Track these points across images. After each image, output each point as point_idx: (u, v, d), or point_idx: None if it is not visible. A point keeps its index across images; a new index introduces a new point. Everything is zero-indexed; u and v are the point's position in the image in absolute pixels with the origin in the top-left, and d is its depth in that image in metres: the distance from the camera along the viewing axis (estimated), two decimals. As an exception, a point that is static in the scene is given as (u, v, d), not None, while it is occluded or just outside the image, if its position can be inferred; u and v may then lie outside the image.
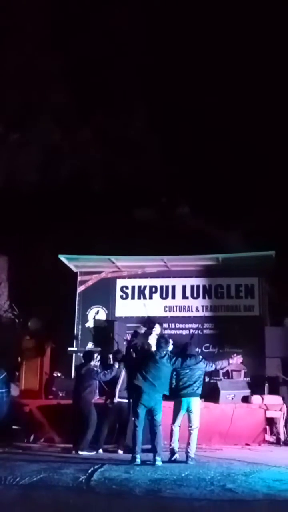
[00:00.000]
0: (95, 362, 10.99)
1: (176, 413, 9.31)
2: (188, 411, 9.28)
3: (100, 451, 10.08)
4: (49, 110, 16.79)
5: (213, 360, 9.99)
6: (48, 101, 16.75)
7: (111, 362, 10.78)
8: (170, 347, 9.51)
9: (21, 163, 16.65)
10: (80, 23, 16.30)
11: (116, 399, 10.21)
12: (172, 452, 9.16)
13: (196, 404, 9.33)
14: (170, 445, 9.21)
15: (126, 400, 10.10)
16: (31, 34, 15.76)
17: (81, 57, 16.26)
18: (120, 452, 9.92)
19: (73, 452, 9.97)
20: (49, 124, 16.83)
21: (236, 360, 9.98)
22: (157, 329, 11.20)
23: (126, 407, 10.07)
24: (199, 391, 9.37)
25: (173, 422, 9.29)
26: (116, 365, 10.36)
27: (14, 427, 11.35)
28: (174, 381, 9.28)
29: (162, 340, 9.53)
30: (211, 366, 9.73)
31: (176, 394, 9.28)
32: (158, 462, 8.74)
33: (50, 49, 15.96)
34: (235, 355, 10.08)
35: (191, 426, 9.26)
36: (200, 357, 9.72)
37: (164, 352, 9.24)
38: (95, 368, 10.54)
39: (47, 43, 15.93)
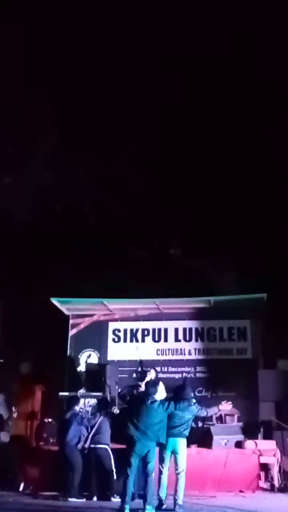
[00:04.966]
0: (86, 407, 10.90)
1: (162, 454, 9.16)
2: (174, 452, 9.14)
3: (94, 498, 9.95)
4: (41, 150, 16.92)
5: (205, 406, 9.88)
6: (40, 141, 16.89)
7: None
8: (160, 392, 9.41)
9: (13, 204, 16.70)
10: (71, 62, 16.47)
11: (87, 444, 10.13)
12: (160, 502, 8.96)
13: (182, 445, 9.20)
14: (158, 494, 9.02)
15: (103, 446, 10.02)
16: (21, 72, 15.91)
17: (73, 96, 16.42)
18: (114, 499, 9.73)
19: (60, 499, 9.82)
20: (41, 164, 16.94)
21: (226, 406, 9.87)
22: (151, 374, 11.15)
23: (105, 453, 9.98)
24: (186, 433, 9.25)
25: (160, 464, 9.13)
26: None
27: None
28: None
29: (149, 384, 9.44)
30: (203, 412, 9.64)
31: None
32: (148, 511, 8.55)
33: (41, 88, 16.10)
34: (225, 401, 9.98)
35: (177, 469, 9.12)
36: (194, 400, 9.61)
37: (155, 397, 9.12)
38: (80, 413, 10.47)
39: (38, 83, 16.07)
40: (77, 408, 10.69)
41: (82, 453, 10.20)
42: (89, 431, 10.33)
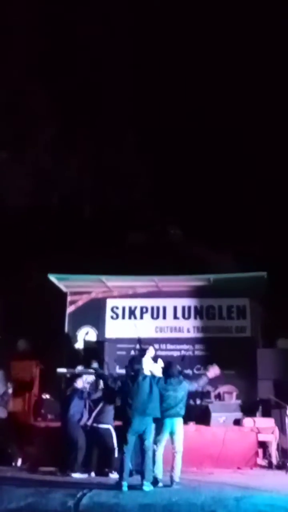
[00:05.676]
0: (84, 384, 10.85)
1: (158, 434, 9.12)
2: (171, 433, 9.11)
3: (92, 474, 9.97)
4: (40, 137, 16.83)
5: (194, 379, 9.78)
6: (39, 128, 16.80)
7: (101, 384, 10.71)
8: (160, 368, 9.36)
9: (12, 184, 16.63)
10: (69, 51, 16.40)
11: (89, 422, 10.15)
12: (155, 480, 8.93)
13: (179, 425, 9.17)
14: (153, 471, 8.97)
15: (106, 426, 9.99)
16: (20, 63, 15.85)
17: (71, 85, 16.37)
18: (112, 475, 9.72)
19: (58, 474, 9.86)
20: (40, 149, 16.86)
21: (214, 371, 9.64)
22: (150, 351, 11.05)
23: (107, 433, 9.97)
24: (182, 412, 9.21)
25: (156, 444, 9.11)
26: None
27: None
28: None
29: (133, 362, 9.40)
30: (193, 386, 9.57)
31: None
32: (146, 487, 8.56)
33: (40, 77, 16.04)
34: (210, 366, 9.75)
35: (174, 449, 9.08)
36: (181, 377, 9.53)
37: (145, 374, 9.08)
38: (81, 389, 10.45)
39: (37, 72, 16.02)
40: (77, 385, 10.63)
41: (84, 429, 10.18)
42: (87, 406, 10.29)
